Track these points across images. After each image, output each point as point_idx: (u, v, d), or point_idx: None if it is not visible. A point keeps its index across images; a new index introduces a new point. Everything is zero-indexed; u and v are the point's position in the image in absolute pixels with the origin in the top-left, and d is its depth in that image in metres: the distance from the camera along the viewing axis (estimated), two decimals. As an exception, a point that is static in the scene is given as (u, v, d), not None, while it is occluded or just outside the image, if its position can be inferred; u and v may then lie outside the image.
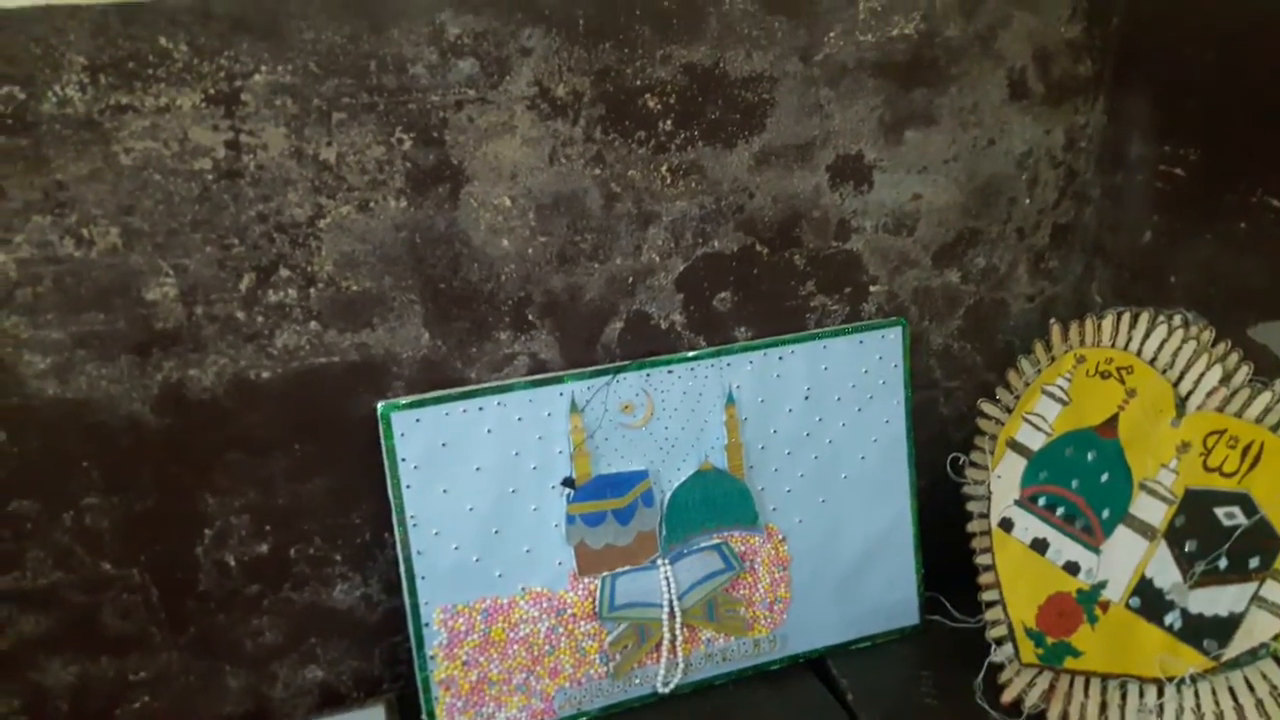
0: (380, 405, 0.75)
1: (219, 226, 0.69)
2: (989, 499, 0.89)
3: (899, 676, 0.88)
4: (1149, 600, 0.76)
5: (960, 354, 0.94)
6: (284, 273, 0.72)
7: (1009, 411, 0.89)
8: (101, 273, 0.68)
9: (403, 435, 0.75)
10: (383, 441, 0.75)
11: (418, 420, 0.76)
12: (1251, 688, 0.68)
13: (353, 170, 0.70)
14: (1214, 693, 0.70)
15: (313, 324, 0.74)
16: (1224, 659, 0.65)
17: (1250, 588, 0.68)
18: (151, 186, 0.67)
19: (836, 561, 0.90)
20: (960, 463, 0.91)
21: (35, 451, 0.71)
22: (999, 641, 0.86)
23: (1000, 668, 0.85)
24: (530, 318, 0.79)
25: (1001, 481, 0.88)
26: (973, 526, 0.92)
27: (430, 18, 0.68)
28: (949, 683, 0.87)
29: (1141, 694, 0.75)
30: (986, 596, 0.90)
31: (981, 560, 0.91)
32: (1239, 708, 0.67)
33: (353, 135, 0.70)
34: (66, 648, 0.78)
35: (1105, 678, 0.78)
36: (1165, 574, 0.74)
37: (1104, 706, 0.78)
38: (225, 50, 0.64)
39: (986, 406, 0.91)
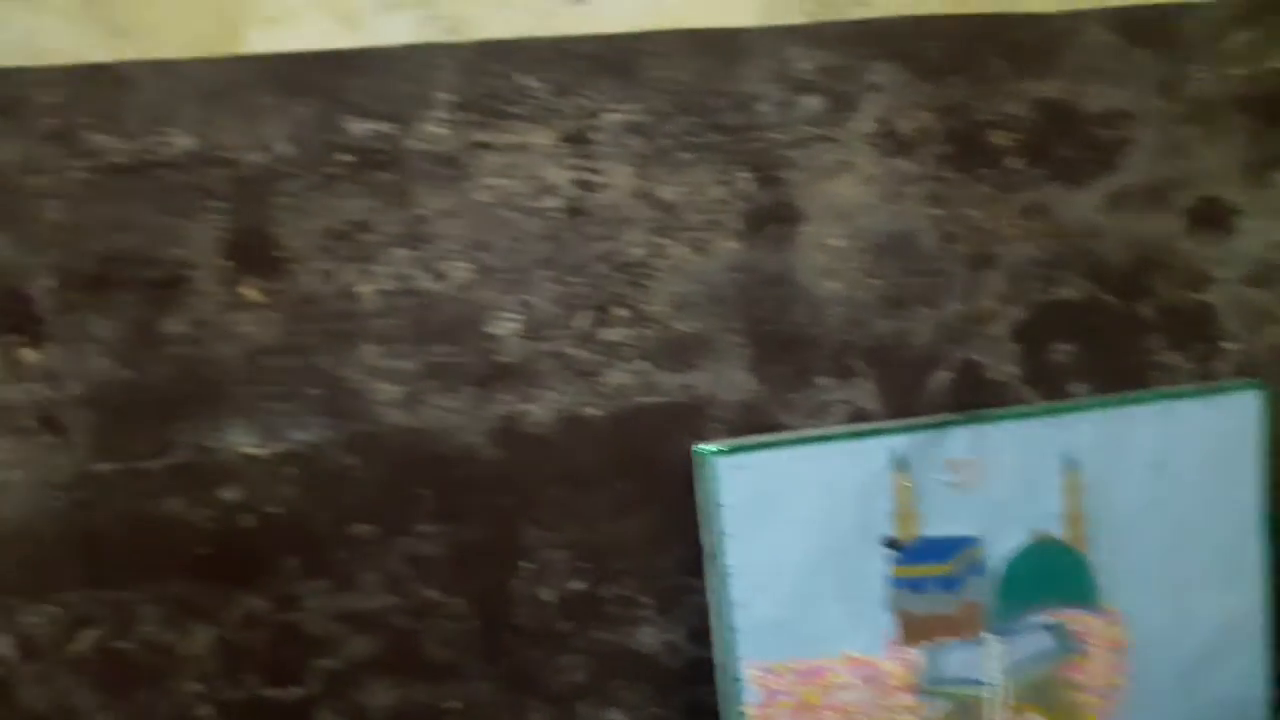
0: (702, 448, 0.66)
1: (562, 264, 0.63)
2: None
3: None
4: None
5: None
6: (619, 311, 0.65)
7: None
8: (452, 306, 0.64)
9: (724, 481, 0.66)
10: (701, 486, 0.66)
11: (740, 466, 0.67)
12: None
13: (691, 210, 0.63)
14: None
15: (642, 363, 0.67)
16: None
17: None
18: (503, 223, 0.62)
19: (1178, 650, 0.74)
20: None
21: (380, 478, 0.67)
22: None
23: None
24: (852, 364, 0.69)
25: None
26: None
27: (780, 53, 0.60)
28: None
29: None
30: None
31: None
32: None
33: (695, 174, 0.62)
34: (390, 671, 0.74)
35: None
36: None
37: None
38: (581, 88, 0.59)
39: None
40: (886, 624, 0.71)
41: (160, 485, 0.66)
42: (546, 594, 0.74)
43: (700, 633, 0.74)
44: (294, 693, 0.73)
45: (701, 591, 0.73)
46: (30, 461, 0.63)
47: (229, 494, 0.67)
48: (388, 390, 0.66)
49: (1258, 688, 0.76)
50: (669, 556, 0.74)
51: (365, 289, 0.63)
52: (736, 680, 0.70)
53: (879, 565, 0.71)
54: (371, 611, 0.72)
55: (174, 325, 0.62)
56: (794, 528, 0.70)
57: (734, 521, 0.69)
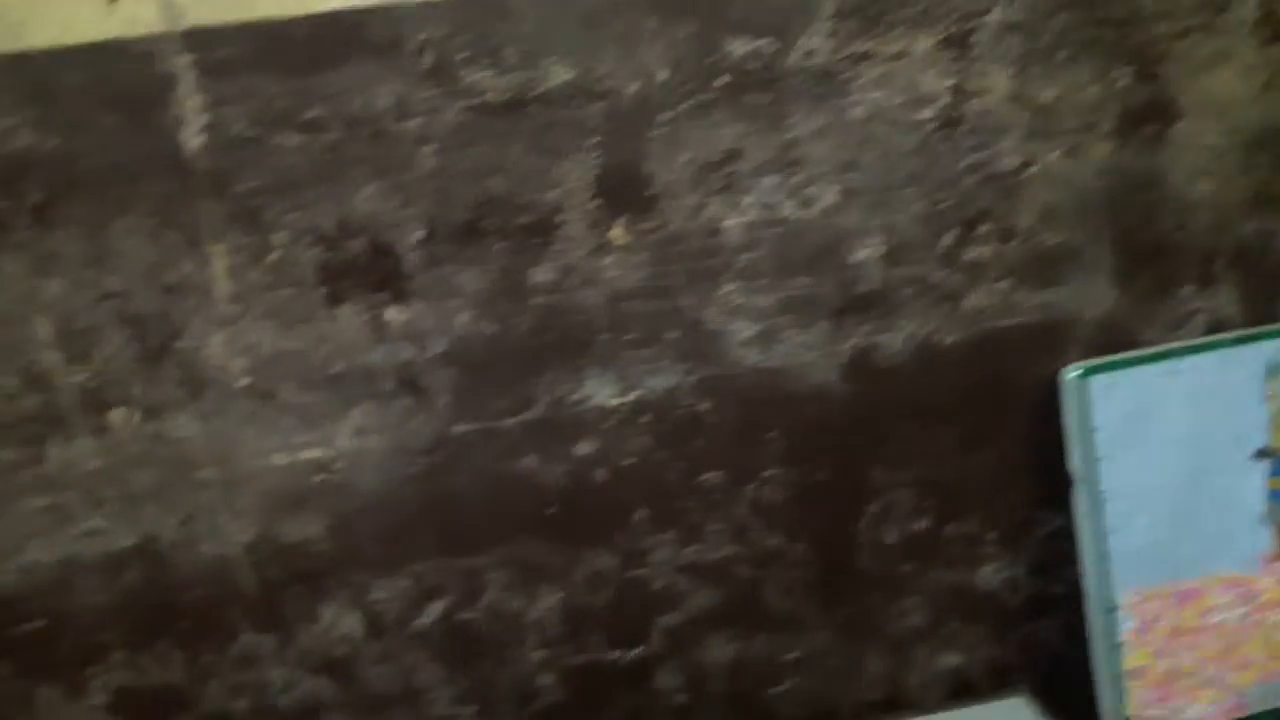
0: (1072, 370, 0.62)
1: (930, 180, 0.61)
2: None
3: None
4: None
5: None
6: (985, 227, 0.62)
7: None
8: (815, 234, 0.62)
9: (1097, 402, 0.62)
10: (1070, 410, 0.63)
11: (1113, 385, 0.63)
12: None
13: (1067, 113, 0.59)
14: None
15: (1002, 283, 0.64)
16: None
17: None
18: (874, 140, 0.59)
19: None
20: None
21: (732, 422, 0.66)
22: None
23: None
24: (1216, 270, 0.65)
25: None
26: None
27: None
28: None
29: None
30: None
31: None
32: None
33: (1072, 74, 0.59)
34: (729, 624, 0.74)
35: None
36: None
37: None
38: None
39: None
40: (1262, 540, 0.68)
41: (515, 444, 0.65)
42: (890, 535, 0.72)
43: (1043, 566, 0.75)
44: (635, 653, 0.70)
45: (1047, 524, 0.78)
46: (389, 427, 0.62)
47: (583, 449, 0.66)
48: (744, 329, 0.64)
49: None
50: (1017, 490, 0.73)
51: (730, 222, 0.61)
52: (1112, 610, 0.67)
53: (1254, 479, 0.67)
54: (715, 563, 0.72)
55: (541, 274, 0.60)
56: (1167, 446, 0.68)
57: (1108, 444, 0.66)
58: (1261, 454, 0.73)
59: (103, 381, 0.61)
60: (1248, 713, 0.75)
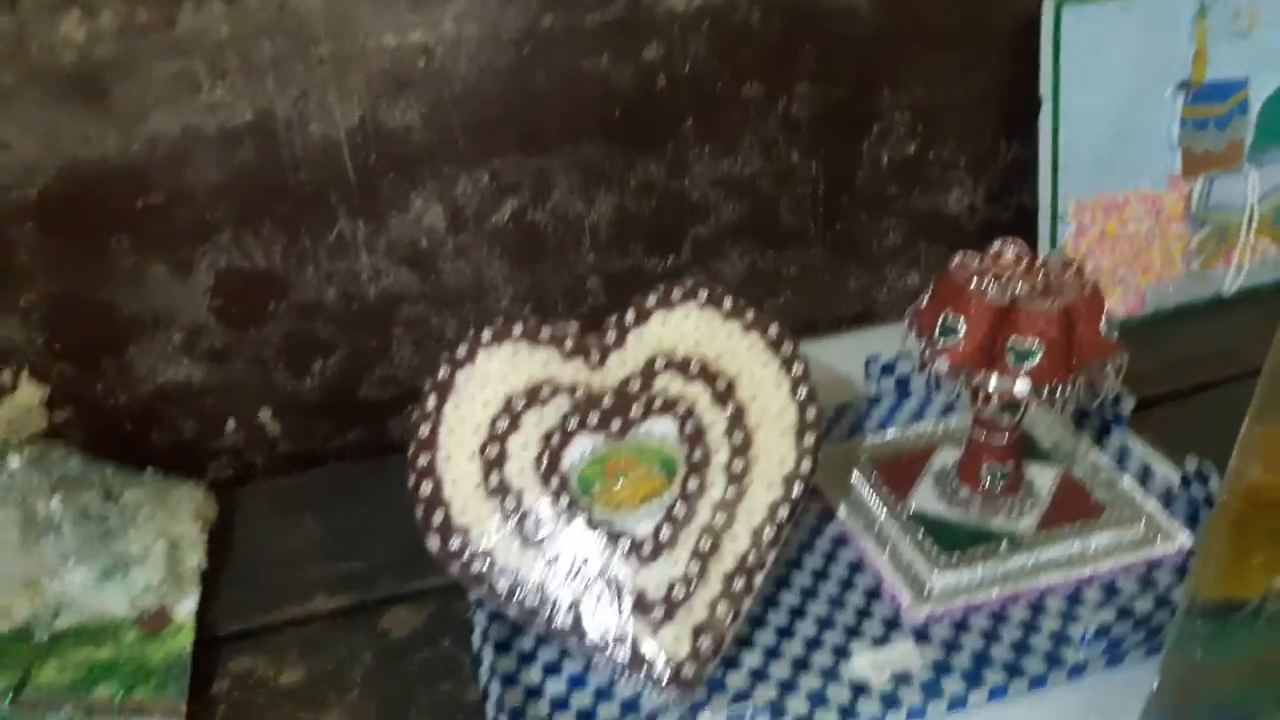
0: (1050, 1, 0.87)
1: None
2: None
3: None
4: None
5: None
6: None
7: None
8: None
9: (1069, 30, 0.88)
10: (1045, 35, 0.88)
11: (1078, 17, 0.89)
12: None
13: None
14: None
15: None
16: None
17: None
18: None
19: None
20: None
21: (775, 34, 0.87)
22: None
23: None
24: None
25: None
26: None
27: None
28: None
29: None
30: None
31: None
32: None
33: None
34: (748, 237, 0.93)
35: None
36: None
37: None
38: None
39: None
40: (1173, 161, 0.96)
41: (594, 42, 0.82)
42: (885, 157, 0.94)
43: (996, 194, 1.05)
44: (669, 262, 0.90)
45: (1007, 153, 1.04)
46: (485, 15, 0.76)
47: (650, 52, 0.83)
48: None
49: None
50: (990, 118, 0.97)
51: None
52: (1059, 216, 0.94)
53: (1169, 108, 0.95)
54: (744, 177, 0.91)
55: None
56: (1115, 73, 0.94)
57: (1070, 69, 0.90)
58: (1181, 85, 1.00)
59: (242, -58, 0.70)
60: (1144, 309, 1.05)
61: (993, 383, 0.70)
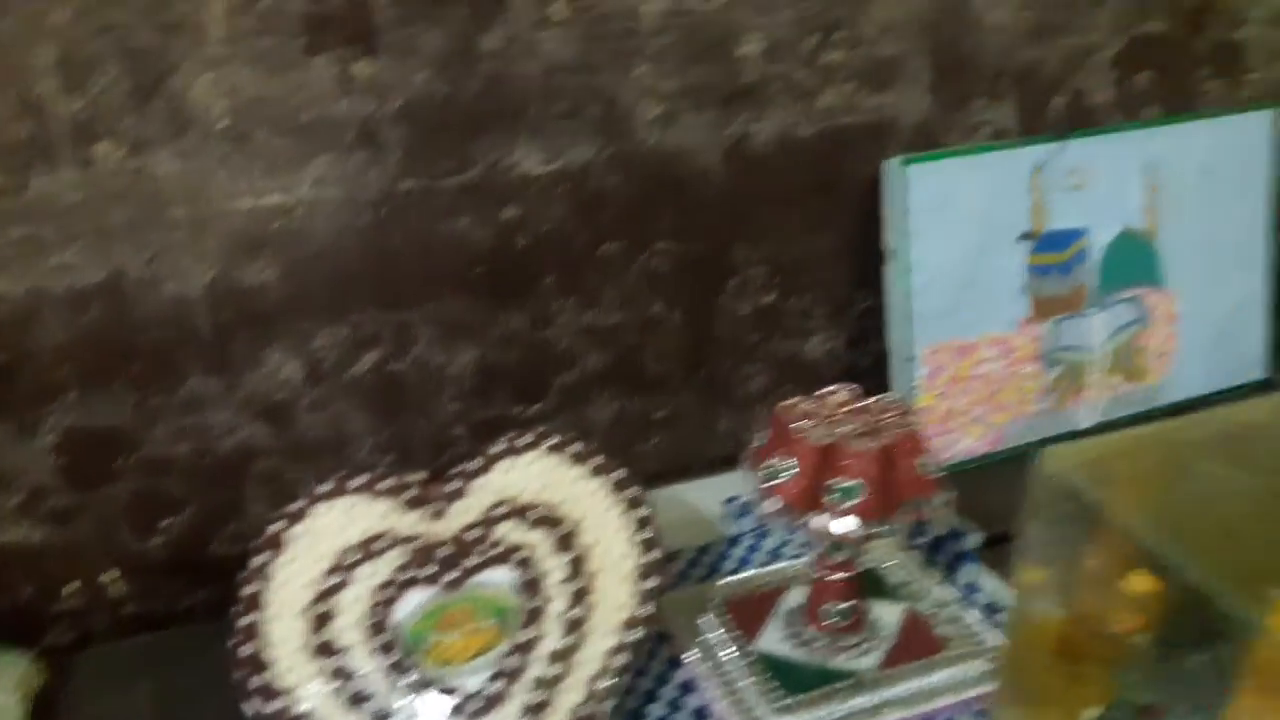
0: (896, 159, 0.93)
1: None
2: None
3: None
4: None
5: None
6: (840, 34, 0.89)
7: None
8: (713, 27, 0.85)
9: (912, 185, 0.93)
10: (891, 192, 0.93)
11: (925, 173, 0.95)
12: None
13: None
14: None
15: (849, 85, 0.91)
16: None
17: None
18: None
19: (1210, 318, 1.19)
20: None
21: (632, 197, 0.91)
22: None
23: None
24: (1001, 89, 0.98)
25: None
26: None
27: None
28: None
29: None
30: None
31: None
32: None
33: None
34: (614, 384, 0.96)
35: None
36: None
37: None
38: None
39: None
40: (1020, 306, 1.01)
41: (452, 204, 0.85)
42: (743, 308, 0.98)
43: (855, 341, 1.09)
44: (534, 409, 0.93)
45: (862, 302, 1.07)
46: (345, 178, 0.81)
47: (509, 213, 0.87)
48: (650, 109, 0.87)
49: (1260, 346, 1.14)
50: (843, 271, 1.03)
51: (647, 9, 0.82)
52: (911, 360, 0.98)
53: (1016, 258, 1.01)
54: (607, 328, 0.94)
55: (489, 41, 0.79)
56: (961, 226, 0.99)
57: (917, 222, 0.96)
58: (1024, 236, 1.06)
59: (94, 113, 0.73)
60: (1003, 446, 1.09)
61: (816, 522, 0.71)
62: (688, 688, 0.79)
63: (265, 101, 0.78)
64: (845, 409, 0.76)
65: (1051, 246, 1.10)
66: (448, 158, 0.86)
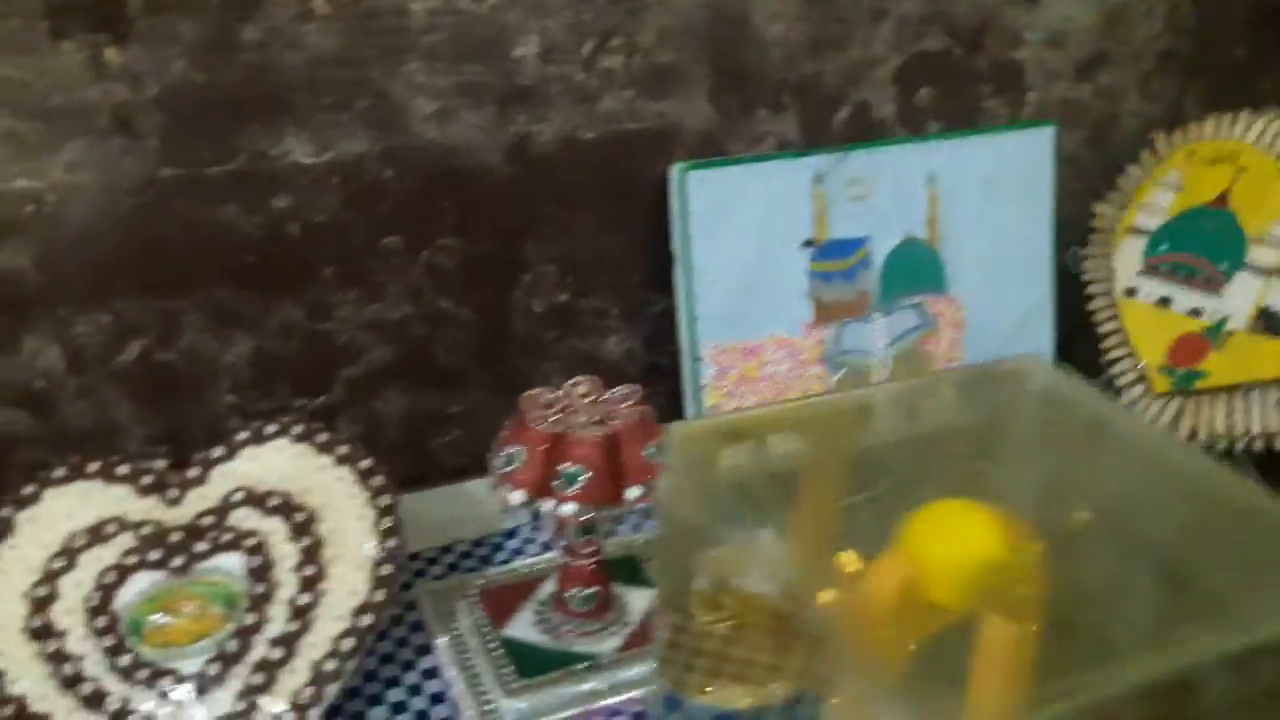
0: (679, 165, 0.96)
1: None
2: (1111, 278, 1.14)
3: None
4: (1270, 322, 1.04)
5: (1084, 162, 1.21)
6: (617, 41, 0.92)
7: (1123, 209, 1.14)
8: (486, 27, 0.87)
9: (694, 192, 0.97)
10: (674, 197, 0.96)
11: (706, 180, 0.98)
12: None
13: None
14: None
15: (628, 91, 0.94)
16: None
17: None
18: None
19: (996, 327, 1.24)
20: (1079, 256, 1.16)
21: (411, 191, 0.91)
22: (1129, 385, 1.12)
23: (1130, 406, 1.11)
24: (784, 100, 1.01)
25: (1123, 260, 1.16)
26: (1096, 303, 1.18)
27: None
28: None
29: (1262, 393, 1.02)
30: (1114, 354, 1.15)
31: (1107, 328, 1.18)
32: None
33: None
34: (403, 378, 0.97)
35: (1232, 389, 1.05)
36: (1282, 301, 1.04)
37: (1231, 415, 1.05)
38: None
39: (1101, 207, 1.18)
40: (804, 310, 1.05)
41: (219, 192, 0.85)
42: (537, 305, 1.00)
43: (654, 341, 1.09)
44: (319, 402, 0.93)
45: (658, 303, 1.09)
46: (102, 164, 0.80)
47: (280, 202, 0.87)
48: (425, 105, 0.88)
49: (1047, 355, 1.20)
50: (636, 272, 1.04)
51: (416, 6, 0.84)
52: (698, 359, 1.01)
53: (801, 263, 1.04)
54: (393, 321, 0.95)
55: (250, 32, 0.80)
56: (743, 232, 1.03)
57: (699, 226, 0.99)
58: (807, 243, 1.09)
59: None
60: (794, 441, 1.12)
61: (545, 507, 0.72)
62: (432, 674, 0.79)
63: (8, 84, 0.77)
64: (586, 399, 0.77)
65: (834, 254, 1.14)
66: (210, 146, 0.85)
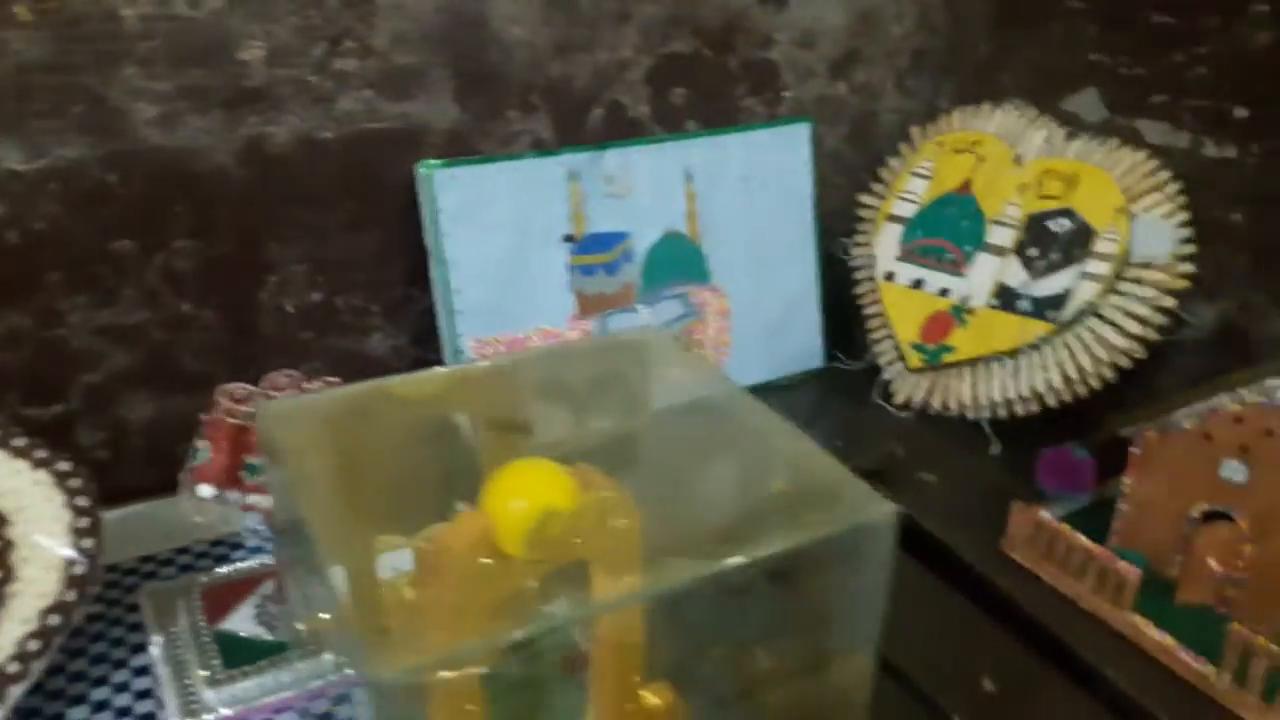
0: (425, 164, 0.98)
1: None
2: (874, 263, 1.20)
3: (814, 400, 1.30)
4: (1005, 298, 1.11)
5: (846, 156, 1.26)
6: (349, 44, 0.93)
7: (883, 198, 1.20)
8: (206, 32, 0.88)
9: (441, 190, 0.99)
10: (424, 196, 0.98)
11: (453, 178, 1.00)
12: (1079, 339, 1.02)
13: None
14: (1054, 349, 1.04)
15: (367, 92, 0.96)
16: (1061, 321, 0.99)
17: (1076, 268, 1.02)
18: None
19: (763, 313, 1.29)
20: (847, 245, 1.22)
21: (138, 195, 0.91)
22: (890, 363, 1.18)
23: (890, 383, 1.17)
24: (534, 100, 1.04)
25: (883, 246, 1.21)
26: (860, 288, 1.23)
27: None
28: (854, 400, 1.29)
29: (1000, 364, 1.08)
30: (876, 335, 1.21)
31: (870, 310, 1.24)
32: (1072, 355, 1.02)
33: None
34: (148, 384, 0.97)
35: (975, 361, 1.11)
36: (1016, 277, 1.10)
37: (974, 385, 1.11)
38: None
39: (865, 198, 1.23)
40: (567, 302, 1.08)
41: None
42: (289, 305, 1.00)
43: (420, 336, 1.08)
44: (54, 410, 0.92)
45: (421, 300, 1.10)
46: None
47: None
48: (146, 110, 0.88)
49: (816, 338, 1.24)
50: (394, 270, 1.05)
51: (127, 12, 0.84)
52: (460, 352, 1.03)
53: (561, 257, 1.07)
54: (131, 326, 0.95)
55: None
56: (497, 228, 1.06)
57: (449, 223, 1.01)
58: (567, 239, 1.11)
59: None
60: (563, 431, 1.14)
61: (232, 497, 0.72)
62: (143, 671, 0.78)
63: None
64: (283, 391, 0.78)
65: (594, 248, 1.16)
66: (-90, 154, 0.83)
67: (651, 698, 0.56)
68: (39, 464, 0.76)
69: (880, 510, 0.48)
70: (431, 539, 0.50)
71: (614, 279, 1.18)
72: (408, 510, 0.55)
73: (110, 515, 0.86)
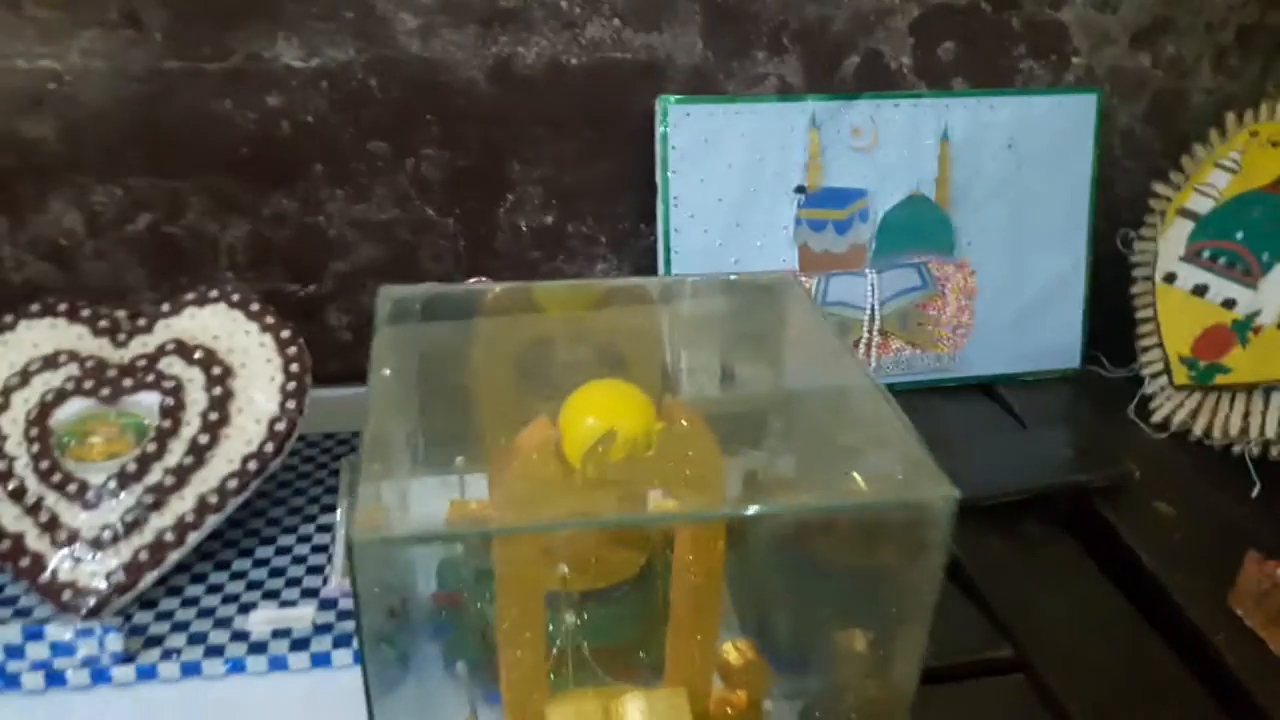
0: (664, 97, 1.00)
1: None
2: (1154, 261, 1.10)
3: (1062, 403, 1.21)
4: None
5: (1142, 136, 1.16)
6: None
7: (1178, 189, 1.10)
8: None
9: (675, 126, 1.02)
10: (658, 129, 1.00)
11: (688, 114, 1.02)
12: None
13: None
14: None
15: (616, 20, 0.99)
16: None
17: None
18: None
19: (1016, 299, 1.22)
20: (1130, 238, 1.12)
21: (395, 100, 1.00)
22: (1154, 376, 1.09)
23: (1152, 398, 1.07)
24: (785, 41, 1.04)
25: (1168, 243, 1.11)
26: (1137, 288, 1.14)
27: None
28: (1106, 410, 1.19)
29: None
30: (1144, 343, 1.12)
31: (1143, 314, 1.14)
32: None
33: None
34: (390, 279, 1.06)
35: (1251, 387, 1.00)
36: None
37: (1247, 415, 1.01)
38: None
39: (1159, 186, 1.12)
40: (790, 257, 1.08)
41: (217, 87, 0.97)
42: (523, 224, 1.07)
43: (644, 271, 1.17)
44: (310, 290, 1.05)
45: (648, 236, 1.14)
46: (112, 53, 0.93)
47: (273, 100, 0.98)
48: (408, 21, 0.97)
49: (1075, 336, 1.17)
50: (626, 203, 1.10)
51: None
52: None
53: (789, 208, 1.08)
54: (380, 222, 1.05)
55: None
56: (727, 171, 1.07)
57: (679, 161, 1.04)
58: (798, 189, 1.13)
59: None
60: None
61: None
62: (326, 529, 0.92)
63: (34, -27, 0.93)
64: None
65: (828, 203, 1.17)
66: (207, 44, 0.99)
67: (733, 651, 0.59)
68: (266, 329, 0.89)
69: (939, 492, 0.48)
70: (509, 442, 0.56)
71: (844, 238, 1.18)
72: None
73: (342, 391, 1.00)
